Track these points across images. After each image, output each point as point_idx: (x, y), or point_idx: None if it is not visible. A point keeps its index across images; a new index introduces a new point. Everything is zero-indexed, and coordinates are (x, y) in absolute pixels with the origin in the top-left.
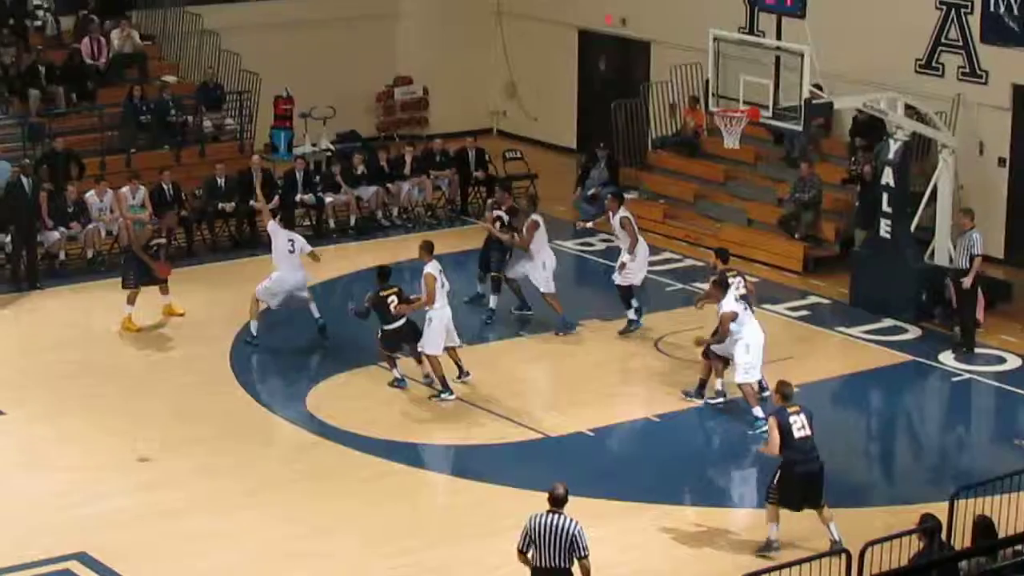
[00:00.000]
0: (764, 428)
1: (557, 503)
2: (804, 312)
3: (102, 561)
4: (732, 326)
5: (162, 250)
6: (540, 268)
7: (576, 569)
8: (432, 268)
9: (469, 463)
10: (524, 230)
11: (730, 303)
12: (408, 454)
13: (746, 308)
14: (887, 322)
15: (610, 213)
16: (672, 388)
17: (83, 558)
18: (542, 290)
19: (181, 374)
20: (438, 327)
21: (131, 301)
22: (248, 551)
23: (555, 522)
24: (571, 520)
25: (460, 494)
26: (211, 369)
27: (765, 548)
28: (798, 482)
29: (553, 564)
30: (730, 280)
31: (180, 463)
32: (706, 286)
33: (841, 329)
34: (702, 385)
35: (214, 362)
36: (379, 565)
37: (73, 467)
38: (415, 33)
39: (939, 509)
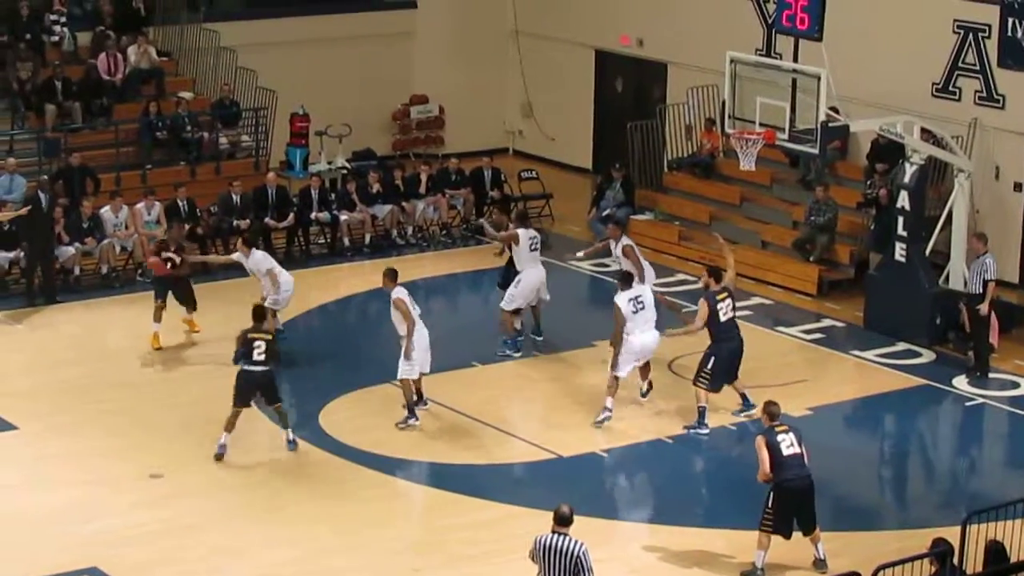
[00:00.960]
0: (606, 419)
1: (562, 523)
2: (818, 335)
3: None
4: (627, 327)
5: (170, 262)
6: (514, 284)
7: None
8: (401, 293)
9: (482, 483)
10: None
11: (622, 299)
12: (421, 473)
13: (636, 312)
14: (901, 346)
15: (611, 241)
16: (685, 410)
17: (94, 573)
18: (501, 304)
19: (194, 390)
20: (418, 350)
21: (156, 318)
22: (259, 569)
23: (560, 543)
24: (576, 541)
25: (472, 514)
26: (224, 385)
27: (749, 573)
28: (791, 499)
29: None
30: (719, 303)
31: (192, 479)
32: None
33: (855, 352)
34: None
35: (227, 378)
36: None
37: (85, 482)
38: (431, 52)
39: (951, 533)
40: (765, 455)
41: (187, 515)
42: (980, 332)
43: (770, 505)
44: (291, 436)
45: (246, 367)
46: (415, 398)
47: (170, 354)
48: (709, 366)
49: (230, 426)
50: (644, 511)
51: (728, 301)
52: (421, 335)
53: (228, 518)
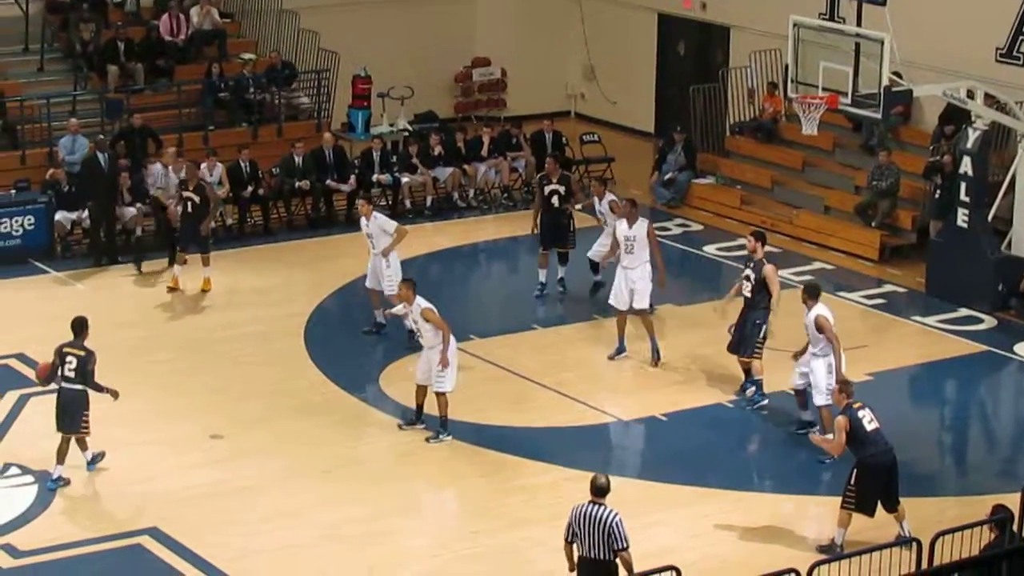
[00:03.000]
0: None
1: (598, 493)
2: (879, 300)
3: (173, 536)
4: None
5: (190, 202)
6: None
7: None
8: (426, 302)
9: (541, 445)
10: (628, 216)
11: (824, 309)
12: (481, 435)
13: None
14: (963, 312)
15: (596, 198)
16: (736, 374)
17: (154, 533)
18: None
19: (255, 351)
20: (454, 360)
21: (180, 262)
22: (318, 530)
23: (595, 513)
24: (611, 511)
25: (531, 477)
26: (285, 347)
27: (827, 549)
28: (878, 476)
29: (595, 555)
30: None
31: (252, 440)
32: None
33: (916, 318)
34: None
35: (288, 340)
36: (451, 546)
37: (145, 443)
38: (494, 14)
39: (1011, 500)
40: (843, 439)
41: (247, 476)
42: None
43: (853, 482)
44: (59, 474)
45: (61, 384)
46: (420, 412)
47: (231, 315)
48: (761, 335)
49: (61, 456)
50: (703, 476)
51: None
52: (453, 346)
53: (288, 479)
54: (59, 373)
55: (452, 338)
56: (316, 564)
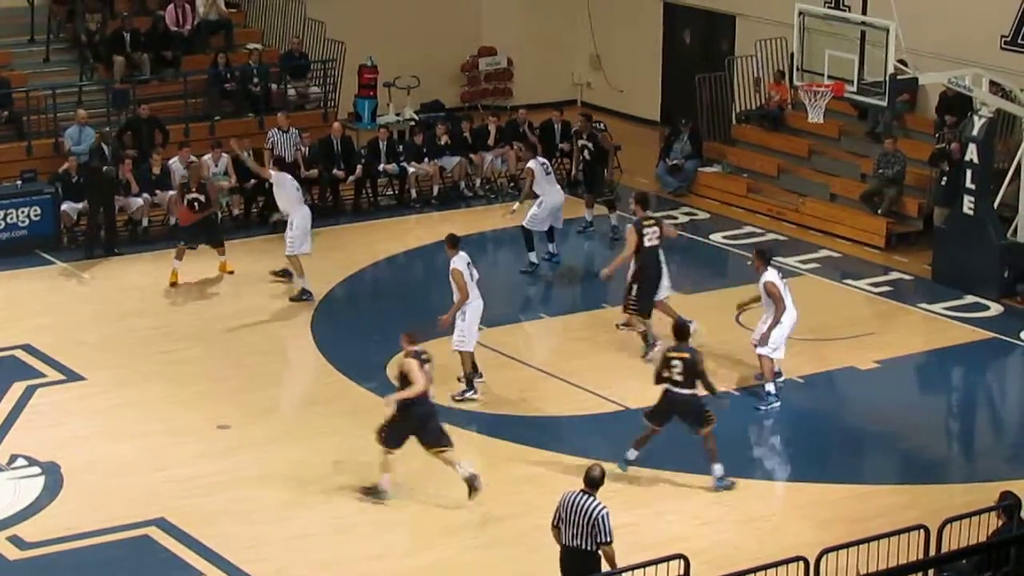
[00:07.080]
0: (775, 405)
1: (591, 484)
2: (886, 288)
3: (181, 527)
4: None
5: (196, 203)
6: (536, 205)
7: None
8: (459, 262)
9: (550, 434)
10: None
11: (772, 275)
12: (490, 424)
13: (785, 287)
14: (969, 299)
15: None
16: (753, 362)
17: (162, 524)
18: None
19: (261, 341)
20: (472, 320)
21: (179, 256)
22: (326, 519)
23: (583, 503)
24: (598, 504)
25: (541, 465)
26: (291, 336)
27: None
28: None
29: (576, 544)
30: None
31: (259, 431)
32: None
33: (923, 305)
34: None
35: (294, 330)
36: (461, 535)
37: (152, 433)
38: (500, 3)
39: (1019, 487)
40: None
41: (254, 466)
42: None
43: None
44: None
45: (670, 387)
46: (472, 371)
47: (235, 304)
48: (634, 293)
49: (713, 454)
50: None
51: (655, 228)
52: (475, 307)
53: (295, 469)
54: (666, 375)
55: (478, 300)
56: (325, 554)
